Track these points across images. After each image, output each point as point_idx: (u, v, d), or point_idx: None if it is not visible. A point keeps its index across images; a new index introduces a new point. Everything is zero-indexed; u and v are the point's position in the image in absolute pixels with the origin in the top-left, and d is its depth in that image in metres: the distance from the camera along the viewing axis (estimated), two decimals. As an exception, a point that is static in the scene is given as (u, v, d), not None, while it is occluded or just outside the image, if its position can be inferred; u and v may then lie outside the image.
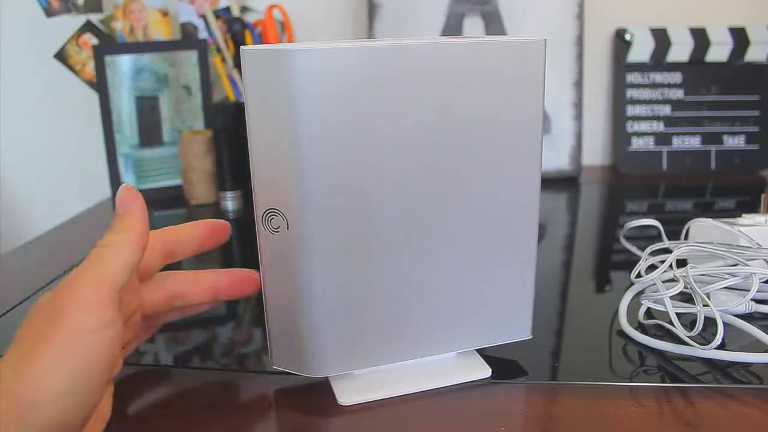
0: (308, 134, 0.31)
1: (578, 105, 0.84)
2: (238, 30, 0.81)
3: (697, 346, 0.39)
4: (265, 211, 0.33)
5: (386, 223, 0.34)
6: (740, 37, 0.85)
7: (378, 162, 0.33)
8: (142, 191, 0.82)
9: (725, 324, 0.40)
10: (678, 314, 0.40)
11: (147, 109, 0.81)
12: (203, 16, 0.85)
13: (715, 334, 0.38)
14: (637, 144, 0.87)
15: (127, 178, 0.80)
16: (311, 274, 0.33)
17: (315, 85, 0.31)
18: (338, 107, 0.31)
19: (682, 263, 0.45)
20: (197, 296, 0.37)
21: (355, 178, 0.33)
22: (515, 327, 0.40)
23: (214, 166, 0.76)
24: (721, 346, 0.39)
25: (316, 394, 0.36)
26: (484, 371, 0.38)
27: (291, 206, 0.32)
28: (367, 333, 0.36)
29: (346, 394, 0.36)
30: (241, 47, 0.32)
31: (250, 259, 0.61)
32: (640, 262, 0.46)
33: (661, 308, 0.42)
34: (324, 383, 0.37)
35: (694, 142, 0.86)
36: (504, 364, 0.39)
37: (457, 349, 0.39)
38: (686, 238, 0.52)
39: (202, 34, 0.87)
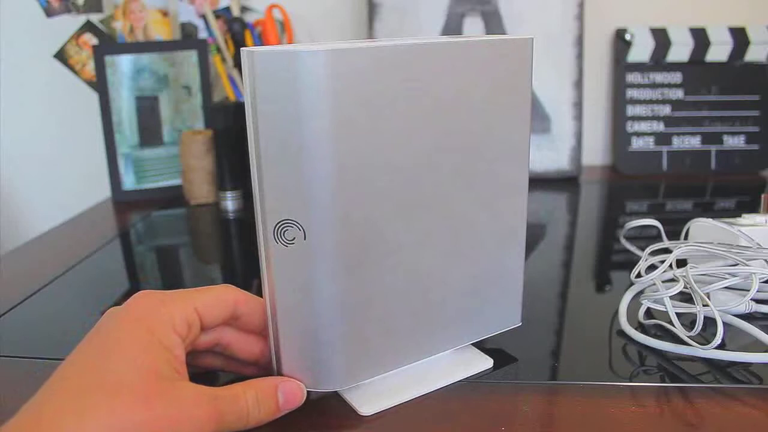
0: (328, 139, 0.30)
1: (578, 105, 0.84)
2: (238, 30, 0.81)
3: (697, 346, 0.39)
4: (278, 223, 0.32)
5: (394, 223, 0.34)
6: (740, 37, 0.85)
7: (387, 161, 0.33)
8: (142, 191, 0.83)
9: (725, 324, 0.40)
10: (678, 314, 0.40)
11: (147, 109, 0.81)
12: (203, 16, 0.85)
13: (715, 334, 0.38)
14: (637, 144, 0.87)
15: (127, 178, 0.80)
16: (330, 286, 0.33)
17: (331, 86, 0.30)
18: (350, 108, 0.31)
19: (682, 263, 0.45)
20: (239, 353, 0.36)
21: (367, 179, 0.32)
22: (507, 316, 0.41)
23: (214, 166, 0.76)
24: (721, 346, 0.39)
25: (328, 407, 0.36)
26: (487, 362, 0.39)
27: (311, 215, 0.31)
28: (380, 340, 0.35)
29: (366, 404, 0.35)
30: (247, 48, 0.30)
31: (251, 260, 0.61)
32: (640, 262, 0.46)
33: (661, 308, 0.42)
34: (330, 395, 0.36)
35: (694, 142, 0.86)
36: (504, 362, 0.39)
37: (457, 345, 0.39)
38: (686, 238, 0.52)
39: (202, 34, 0.87)
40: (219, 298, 0.34)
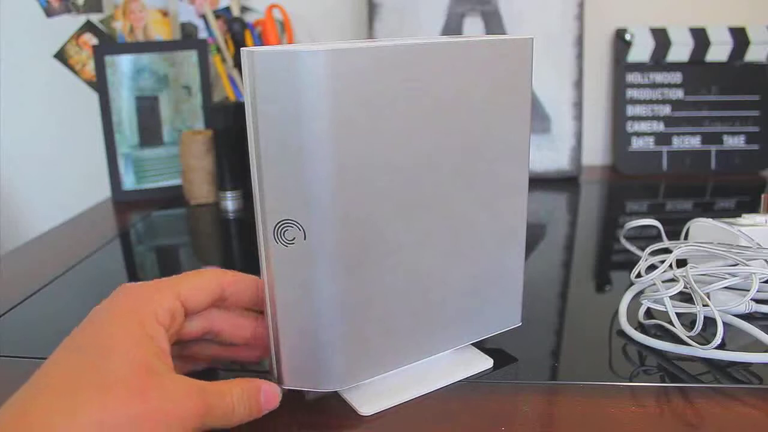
0: (328, 139, 0.30)
1: (578, 105, 0.84)
2: (238, 30, 0.81)
3: (697, 346, 0.39)
4: (278, 223, 0.32)
5: (394, 223, 0.34)
6: (740, 37, 0.85)
7: (387, 161, 0.33)
8: (142, 191, 0.83)
9: (725, 324, 0.40)
10: (678, 314, 0.40)
11: (147, 109, 0.81)
12: (203, 16, 0.85)
13: (715, 334, 0.38)
14: (637, 144, 0.87)
15: (127, 178, 0.80)
16: (330, 286, 0.32)
17: (331, 86, 0.30)
18: (350, 108, 0.31)
19: (682, 263, 0.45)
20: (231, 337, 0.36)
21: (369, 179, 0.32)
22: (507, 316, 0.41)
23: (214, 166, 0.76)
24: (721, 346, 0.39)
25: (328, 407, 0.36)
26: (487, 362, 0.39)
27: (311, 215, 0.31)
28: (380, 340, 0.35)
29: (366, 404, 0.35)
30: (247, 48, 0.30)
31: (251, 260, 0.61)
32: (640, 262, 0.46)
33: (661, 308, 0.42)
34: (330, 395, 0.36)
35: (694, 142, 0.86)
36: (504, 362, 0.39)
37: (457, 345, 0.39)
38: (686, 238, 0.52)
39: (202, 34, 0.87)
40: (203, 284, 0.34)
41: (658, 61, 0.86)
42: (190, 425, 0.29)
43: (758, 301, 0.43)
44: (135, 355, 0.29)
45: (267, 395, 0.33)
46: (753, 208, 0.68)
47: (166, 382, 0.29)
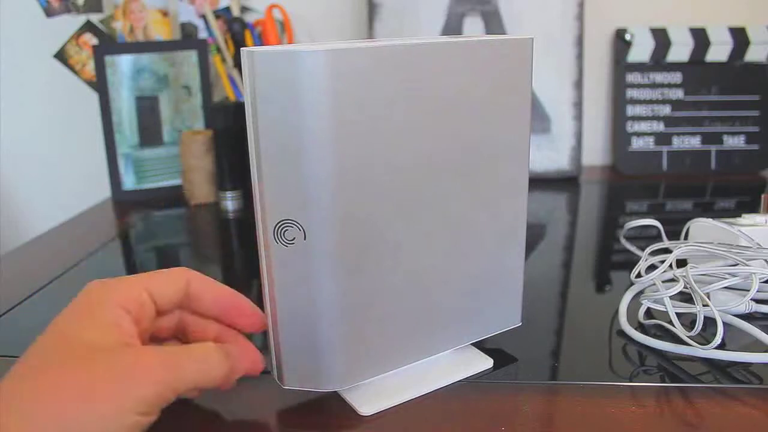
0: (328, 139, 0.30)
1: (578, 105, 0.84)
2: (238, 30, 0.81)
3: (697, 346, 0.39)
4: (278, 223, 0.32)
5: (394, 223, 0.34)
6: (740, 37, 0.85)
7: (387, 161, 0.33)
8: (142, 191, 0.83)
9: (725, 324, 0.40)
10: (678, 314, 0.40)
11: (147, 109, 0.81)
12: (203, 16, 0.85)
13: (715, 334, 0.38)
14: (637, 144, 0.87)
15: (127, 178, 0.80)
16: (330, 286, 0.33)
17: (331, 86, 0.30)
18: (350, 108, 0.31)
19: (682, 263, 0.45)
20: (194, 335, 0.36)
21: (369, 179, 0.32)
22: (507, 316, 0.41)
23: (214, 166, 0.76)
24: (721, 346, 0.39)
25: (328, 407, 0.36)
26: (487, 362, 0.39)
27: (311, 215, 0.31)
28: (380, 340, 0.35)
29: (366, 404, 0.35)
30: (247, 48, 0.30)
31: (251, 260, 0.61)
32: (640, 262, 0.46)
33: (661, 308, 0.42)
34: (330, 395, 0.36)
35: (694, 142, 0.86)
36: (504, 362, 0.39)
37: (457, 345, 0.39)
38: (686, 238, 0.52)
39: (202, 34, 0.87)
40: (170, 278, 0.34)
41: (658, 61, 0.86)
42: (150, 390, 0.28)
43: (758, 301, 0.43)
44: (99, 341, 0.29)
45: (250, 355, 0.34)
46: (753, 208, 0.68)
47: (115, 354, 0.29)
